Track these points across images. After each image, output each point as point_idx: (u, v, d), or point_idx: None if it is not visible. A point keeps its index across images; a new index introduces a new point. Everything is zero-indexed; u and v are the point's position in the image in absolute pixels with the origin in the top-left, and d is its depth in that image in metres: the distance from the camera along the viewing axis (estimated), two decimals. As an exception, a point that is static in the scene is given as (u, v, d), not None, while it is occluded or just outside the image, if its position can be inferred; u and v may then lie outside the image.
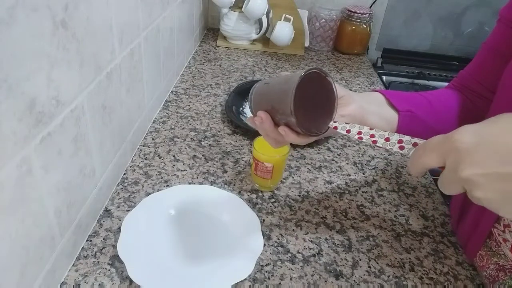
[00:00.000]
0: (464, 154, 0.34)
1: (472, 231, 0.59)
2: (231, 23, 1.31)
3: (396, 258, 0.61)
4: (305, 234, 0.64)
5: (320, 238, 0.64)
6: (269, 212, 0.68)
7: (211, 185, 0.72)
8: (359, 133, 0.45)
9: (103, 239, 0.59)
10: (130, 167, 0.74)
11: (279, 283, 0.55)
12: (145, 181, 0.71)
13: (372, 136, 0.45)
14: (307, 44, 1.38)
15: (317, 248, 0.62)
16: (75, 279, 0.53)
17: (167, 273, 0.54)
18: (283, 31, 1.29)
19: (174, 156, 0.79)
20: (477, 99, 0.62)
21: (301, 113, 0.43)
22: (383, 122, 0.55)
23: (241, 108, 0.96)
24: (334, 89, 0.47)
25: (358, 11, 1.38)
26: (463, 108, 0.61)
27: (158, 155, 0.78)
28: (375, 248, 0.63)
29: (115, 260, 0.56)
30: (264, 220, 0.66)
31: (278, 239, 0.63)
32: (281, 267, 0.58)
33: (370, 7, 1.45)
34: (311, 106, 0.45)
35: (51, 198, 0.47)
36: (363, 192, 0.75)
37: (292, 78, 0.44)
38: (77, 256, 0.56)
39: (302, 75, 0.43)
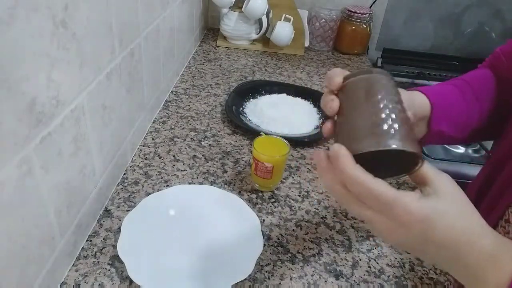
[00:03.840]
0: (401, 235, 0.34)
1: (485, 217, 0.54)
2: (231, 23, 1.31)
3: (396, 258, 0.61)
4: (305, 234, 0.64)
5: (320, 238, 0.64)
6: (269, 212, 0.68)
7: (211, 185, 0.72)
8: None
9: (103, 239, 0.59)
10: (130, 167, 0.74)
11: (279, 283, 0.55)
12: (145, 181, 0.71)
13: None
14: (307, 44, 1.38)
15: (317, 248, 0.62)
16: (75, 279, 0.53)
17: (167, 273, 0.54)
18: (283, 31, 1.29)
19: (174, 156, 0.79)
20: None
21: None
22: None
23: (241, 108, 0.96)
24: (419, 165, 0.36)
25: (358, 11, 1.38)
26: (498, 104, 0.53)
27: (158, 155, 0.78)
28: (375, 248, 0.63)
29: (115, 260, 0.56)
30: (264, 220, 0.66)
31: (278, 239, 0.63)
32: (281, 267, 0.58)
33: (370, 7, 1.45)
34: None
35: (51, 198, 0.47)
36: (363, 192, 0.75)
37: (379, 134, 0.34)
38: (77, 256, 0.56)
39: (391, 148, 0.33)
